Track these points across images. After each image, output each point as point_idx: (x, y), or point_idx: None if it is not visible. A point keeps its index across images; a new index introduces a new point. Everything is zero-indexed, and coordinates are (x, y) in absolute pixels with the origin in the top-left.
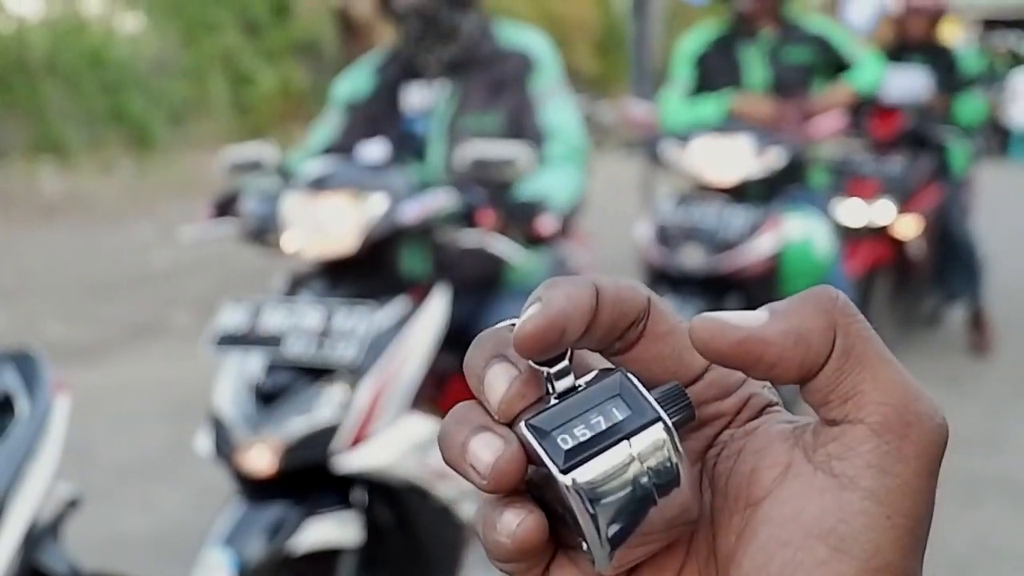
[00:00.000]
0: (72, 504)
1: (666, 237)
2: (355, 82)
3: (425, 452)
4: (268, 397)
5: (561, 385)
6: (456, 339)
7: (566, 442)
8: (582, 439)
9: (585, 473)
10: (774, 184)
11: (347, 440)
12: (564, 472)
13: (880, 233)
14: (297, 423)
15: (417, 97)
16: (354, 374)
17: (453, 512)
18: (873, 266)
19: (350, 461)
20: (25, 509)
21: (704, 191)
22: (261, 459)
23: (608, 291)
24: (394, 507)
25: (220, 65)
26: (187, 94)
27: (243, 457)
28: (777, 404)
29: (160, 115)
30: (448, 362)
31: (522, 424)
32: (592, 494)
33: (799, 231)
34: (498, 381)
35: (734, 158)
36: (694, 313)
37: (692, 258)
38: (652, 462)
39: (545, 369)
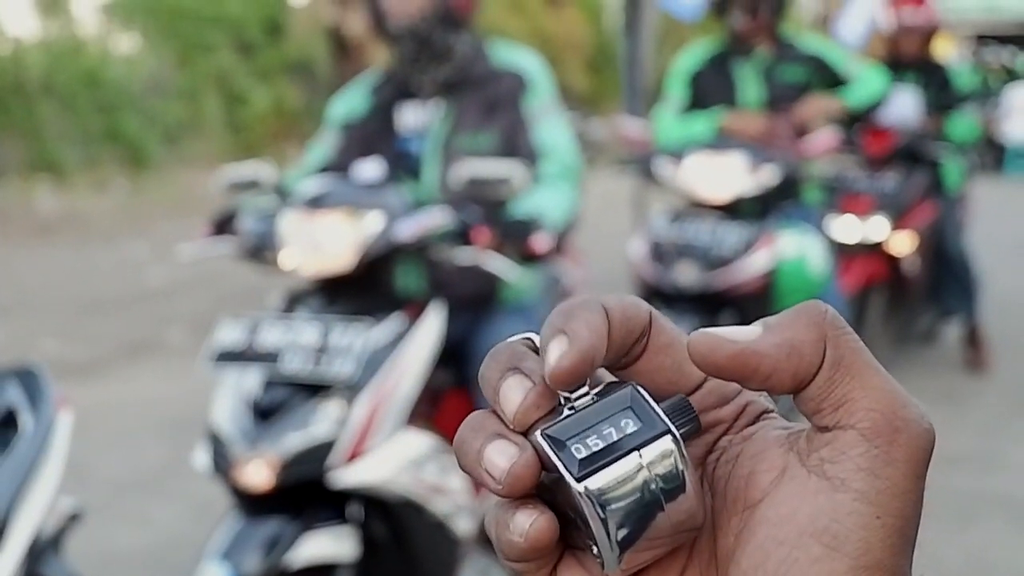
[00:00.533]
0: (74, 518)
1: (660, 254)
2: (350, 102)
3: (421, 468)
4: (265, 413)
5: (575, 398)
6: (451, 356)
7: (580, 451)
8: (595, 449)
9: (598, 481)
10: (768, 201)
11: (343, 456)
12: (578, 480)
13: (875, 250)
14: (294, 439)
15: (412, 117)
16: (351, 390)
17: (448, 527)
18: (868, 283)
19: (346, 476)
20: (29, 523)
21: (698, 208)
22: (258, 474)
23: (615, 310)
24: (390, 522)
25: (214, 85)
26: (181, 114)
27: (240, 472)
28: (772, 411)
29: (155, 134)
30: (443, 378)
31: (538, 433)
32: (604, 500)
33: (793, 248)
34: (514, 392)
35: (728, 175)
36: (688, 330)
37: (686, 275)
38: (660, 471)
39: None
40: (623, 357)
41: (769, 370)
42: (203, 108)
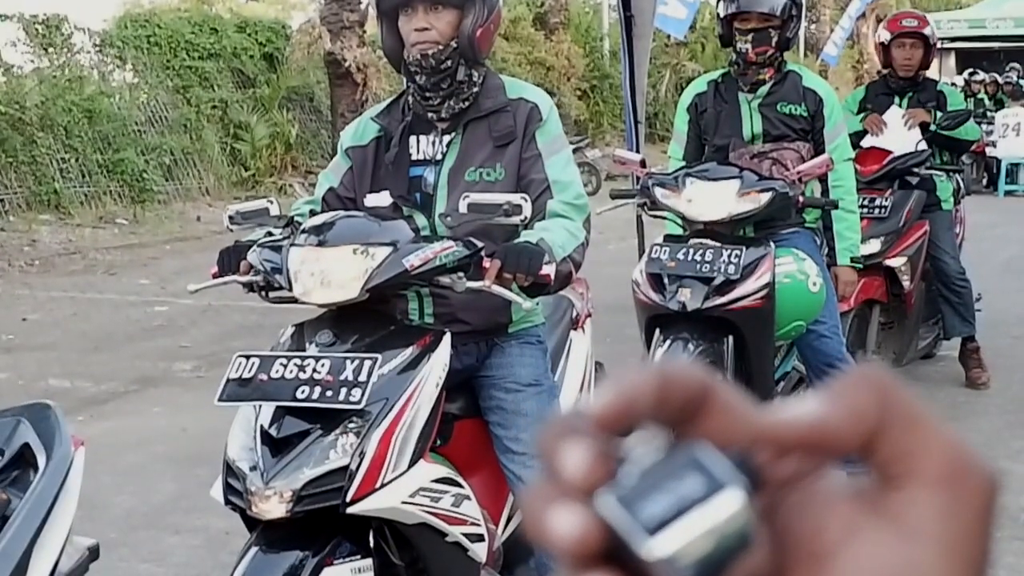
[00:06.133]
0: (91, 555)
1: (660, 278)
2: (361, 132)
3: (436, 499)
4: (281, 445)
5: (635, 459)
6: (462, 386)
7: (645, 512)
8: (661, 509)
9: (667, 541)
10: (767, 224)
11: (359, 486)
12: (648, 542)
13: (873, 269)
14: (309, 474)
15: (423, 148)
16: (364, 421)
17: (468, 548)
18: (867, 301)
19: (363, 507)
20: (48, 559)
21: (697, 232)
22: (275, 506)
23: (670, 372)
24: (409, 550)
25: (213, 116)
26: (181, 146)
27: (258, 504)
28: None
29: (155, 167)
30: (455, 407)
31: (603, 497)
32: (674, 560)
33: (791, 268)
34: (574, 457)
35: (723, 199)
36: (692, 352)
37: (687, 298)
38: (728, 527)
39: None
40: (680, 419)
41: (841, 440)
42: (203, 140)
